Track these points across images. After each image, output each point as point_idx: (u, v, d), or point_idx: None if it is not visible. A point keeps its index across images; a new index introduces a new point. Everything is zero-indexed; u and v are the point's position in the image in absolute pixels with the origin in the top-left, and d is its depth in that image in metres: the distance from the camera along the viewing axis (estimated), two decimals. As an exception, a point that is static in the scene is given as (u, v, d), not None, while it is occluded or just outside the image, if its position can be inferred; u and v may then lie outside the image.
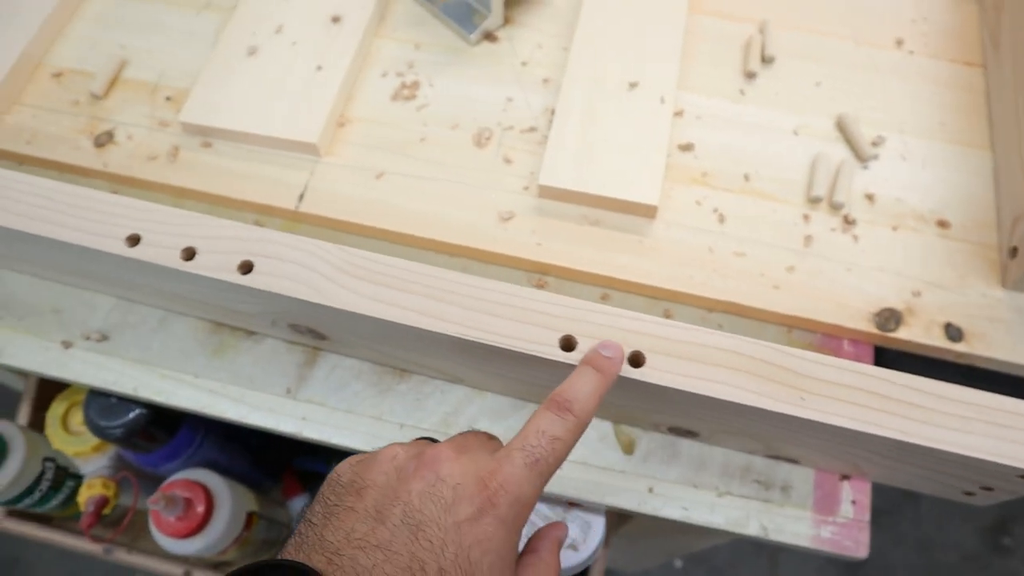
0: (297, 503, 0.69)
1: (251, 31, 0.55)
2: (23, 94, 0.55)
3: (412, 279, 0.38)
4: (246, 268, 0.39)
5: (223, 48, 0.54)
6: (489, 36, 0.56)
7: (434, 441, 0.33)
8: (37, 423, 0.63)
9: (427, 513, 0.28)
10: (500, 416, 0.46)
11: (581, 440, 0.44)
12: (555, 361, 0.36)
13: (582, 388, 0.33)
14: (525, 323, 0.37)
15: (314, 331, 0.45)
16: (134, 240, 0.40)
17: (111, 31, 0.58)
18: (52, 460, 0.59)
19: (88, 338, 0.49)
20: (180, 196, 0.52)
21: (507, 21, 0.57)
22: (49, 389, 0.64)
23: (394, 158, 0.51)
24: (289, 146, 0.51)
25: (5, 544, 1.18)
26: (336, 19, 0.55)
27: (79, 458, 0.60)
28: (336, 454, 0.43)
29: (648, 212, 0.49)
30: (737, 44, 0.56)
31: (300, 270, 0.39)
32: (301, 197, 0.50)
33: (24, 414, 0.63)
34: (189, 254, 0.39)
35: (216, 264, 0.39)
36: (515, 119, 0.53)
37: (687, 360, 0.36)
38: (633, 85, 0.52)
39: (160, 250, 0.40)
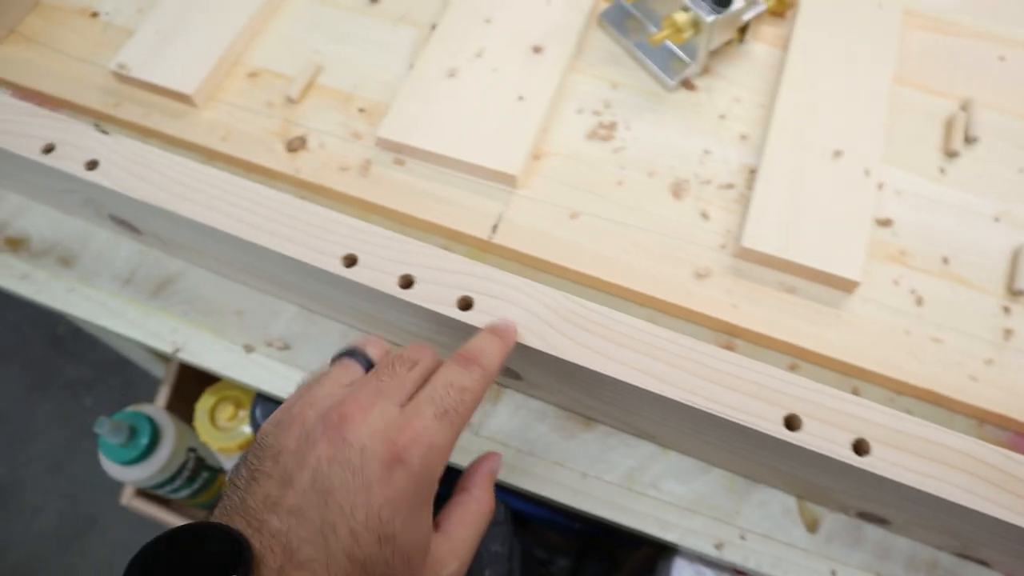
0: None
1: (452, 52, 0.54)
2: (219, 90, 0.56)
3: (634, 335, 0.37)
4: (465, 304, 0.39)
5: (423, 66, 0.54)
6: (687, 84, 0.55)
7: (359, 356, 0.34)
8: (175, 409, 0.63)
9: (335, 478, 0.28)
10: (687, 477, 0.46)
11: (763, 511, 0.43)
12: (776, 438, 0.35)
13: (487, 346, 0.34)
14: (750, 396, 0.36)
15: (512, 371, 0.44)
16: (351, 260, 0.40)
17: (307, 35, 0.58)
18: (194, 451, 0.59)
19: (270, 345, 0.49)
20: (368, 211, 0.52)
21: (705, 71, 0.56)
22: (189, 378, 0.64)
23: (589, 199, 0.51)
24: (486, 174, 0.51)
25: (83, 503, 1.19)
26: (537, 49, 0.54)
27: (223, 453, 0.60)
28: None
29: (847, 286, 0.48)
30: (939, 120, 0.55)
31: (521, 313, 0.38)
32: (495, 228, 0.50)
33: (163, 398, 0.64)
34: (406, 282, 0.39)
35: (433, 296, 0.39)
36: (712, 173, 0.52)
37: (917, 456, 0.35)
38: (837, 154, 0.51)
39: (377, 274, 0.39)
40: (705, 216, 0.50)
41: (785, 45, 0.57)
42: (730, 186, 0.51)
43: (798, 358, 0.48)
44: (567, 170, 0.52)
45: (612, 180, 0.51)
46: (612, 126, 0.53)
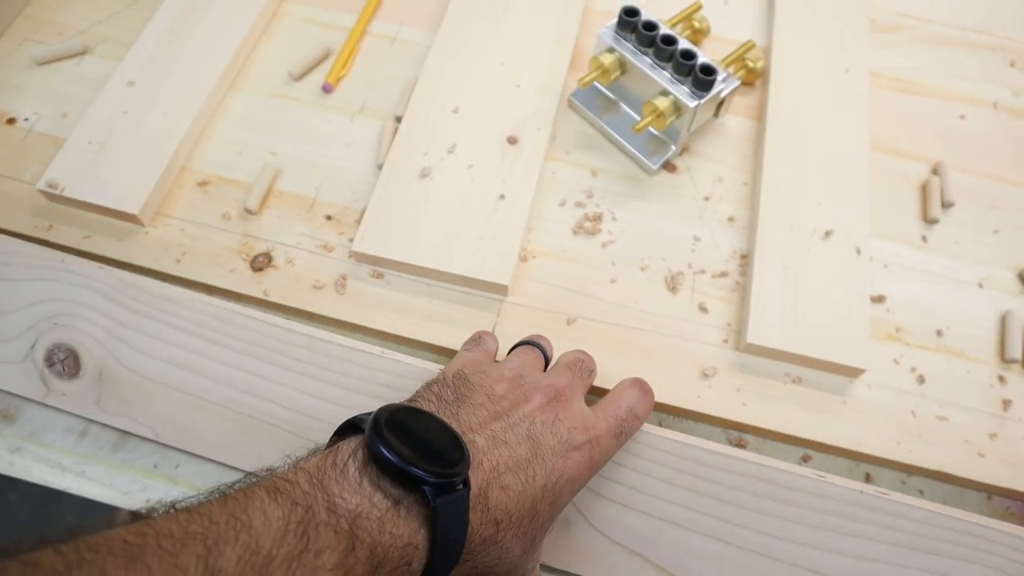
0: None
1: (422, 150, 0.51)
2: (168, 204, 0.51)
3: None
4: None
5: (393, 167, 0.50)
6: (668, 166, 0.54)
7: (539, 348, 0.42)
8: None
9: (545, 436, 0.35)
10: None
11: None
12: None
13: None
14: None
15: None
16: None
17: (258, 135, 0.53)
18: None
19: (259, 493, 0.45)
20: (351, 331, 0.48)
21: (684, 149, 0.54)
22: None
23: (584, 301, 0.48)
24: (475, 285, 0.48)
25: None
26: (512, 140, 0.52)
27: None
28: None
29: (853, 373, 0.47)
30: (914, 184, 0.55)
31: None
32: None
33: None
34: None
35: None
36: (705, 262, 0.50)
37: None
38: (828, 234, 0.50)
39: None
40: (703, 309, 0.49)
41: (758, 116, 0.56)
42: (724, 274, 0.50)
43: (809, 449, 0.47)
44: (557, 271, 0.49)
45: (605, 278, 0.49)
46: (598, 218, 0.51)
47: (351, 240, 0.49)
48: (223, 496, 0.27)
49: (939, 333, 0.50)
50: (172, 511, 0.26)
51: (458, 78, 0.54)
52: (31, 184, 0.51)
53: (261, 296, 0.48)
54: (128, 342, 0.42)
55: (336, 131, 0.54)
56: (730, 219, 0.52)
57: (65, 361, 0.42)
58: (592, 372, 0.42)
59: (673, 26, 0.56)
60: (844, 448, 0.46)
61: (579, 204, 0.52)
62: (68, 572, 0.22)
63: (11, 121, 0.54)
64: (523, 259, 0.49)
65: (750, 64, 0.57)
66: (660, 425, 0.47)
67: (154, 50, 0.54)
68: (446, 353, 0.47)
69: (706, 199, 0.53)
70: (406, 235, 0.48)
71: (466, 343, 0.43)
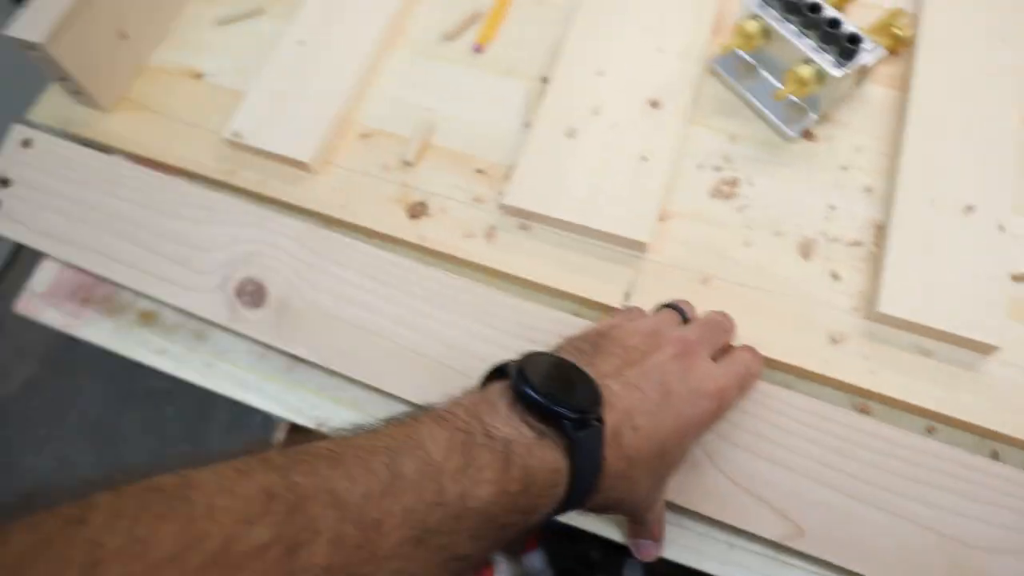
0: (532, 559, 0.71)
1: (568, 110, 0.54)
2: (333, 154, 0.56)
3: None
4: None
5: (541, 126, 0.53)
6: (807, 134, 0.54)
7: (679, 310, 0.45)
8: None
9: (675, 385, 0.38)
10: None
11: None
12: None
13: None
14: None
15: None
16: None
17: (414, 92, 0.57)
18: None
19: (411, 419, 0.50)
20: (496, 278, 0.52)
21: (823, 118, 0.55)
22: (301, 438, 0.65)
23: (718, 262, 0.51)
24: (615, 240, 0.51)
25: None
26: (655, 104, 0.54)
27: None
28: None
29: (985, 349, 0.48)
30: (1065, 162, 0.54)
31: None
32: (627, 295, 0.50)
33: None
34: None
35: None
36: (839, 230, 0.51)
37: None
38: (969, 208, 0.50)
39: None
40: (835, 277, 0.50)
41: (902, 86, 0.56)
42: (858, 243, 0.51)
43: (935, 421, 0.48)
44: (694, 231, 0.52)
45: (739, 241, 0.51)
46: (734, 182, 0.53)
47: (500, 193, 0.53)
48: (398, 421, 0.32)
49: (1082, 313, 0.49)
50: (358, 431, 0.31)
51: (603, 41, 0.56)
52: (214, 132, 0.57)
53: (417, 241, 0.52)
54: (308, 280, 0.48)
55: (486, 90, 0.57)
56: (867, 189, 0.53)
57: (253, 293, 0.47)
58: (727, 332, 0.45)
59: (820, -8, 0.56)
60: (971, 423, 0.47)
61: (717, 168, 0.54)
62: (290, 466, 0.27)
63: (198, 76, 0.60)
64: (661, 219, 0.52)
65: (897, 32, 0.56)
66: (787, 387, 0.49)
67: (321, 12, 0.59)
68: (585, 303, 0.50)
69: (843, 168, 0.53)
70: (552, 191, 0.51)
71: (615, 312, 0.47)
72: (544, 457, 0.32)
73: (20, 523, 0.23)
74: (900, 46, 0.57)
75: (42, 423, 1.34)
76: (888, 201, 0.52)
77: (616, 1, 0.58)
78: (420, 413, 0.33)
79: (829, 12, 0.50)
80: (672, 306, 0.46)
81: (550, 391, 0.33)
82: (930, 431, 0.48)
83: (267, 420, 1.24)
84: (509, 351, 0.46)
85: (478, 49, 0.58)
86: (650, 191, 0.51)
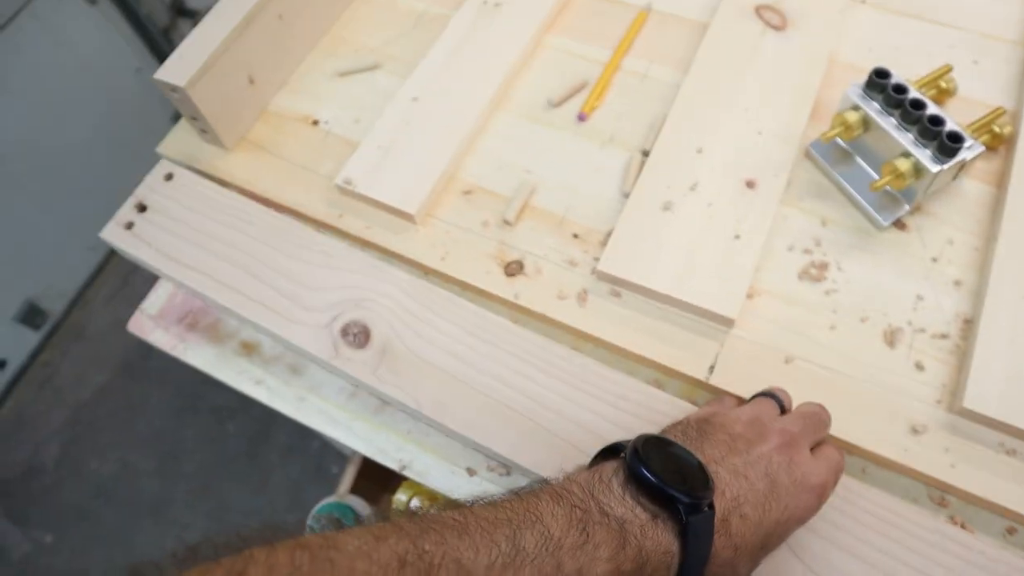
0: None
1: (666, 184, 0.56)
2: (436, 207, 0.59)
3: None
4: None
5: (639, 197, 0.56)
6: (898, 223, 0.56)
7: (776, 399, 0.46)
8: (361, 487, 0.67)
9: (780, 476, 0.38)
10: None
11: None
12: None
13: None
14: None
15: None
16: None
17: (517, 154, 0.60)
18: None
19: (491, 470, 0.52)
20: (584, 340, 0.54)
21: (916, 209, 0.56)
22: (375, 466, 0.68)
23: (802, 343, 0.52)
24: (703, 314, 0.52)
25: (228, 526, 1.27)
26: (751, 184, 0.56)
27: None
28: None
29: (1073, 454, 0.48)
30: None
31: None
32: (711, 368, 0.51)
33: (346, 483, 0.68)
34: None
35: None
36: (926, 321, 0.52)
37: None
38: (1062, 310, 0.50)
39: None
40: (919, 367, 0.51)
41: (998, 182, 0.57)
42: (944, 336, 0.52)
43: (1015, 522, 0.48)
44: (780, 311, 0.53)
45: (825, 324, 0.52)
46: (823, 266, 0.54)
47: (595, 258, 0.55)
48: (517, 496, 0.34)
49: None
50: (480, 503, 0.33)
51: (703, 120, 0.58)
52: (327, 177, 0.61)
53: (511, 299, 0.54)
54: (412, 328, 0.50)
55: (587, 157, 0.60)
56: (956, 282, 0.53)
57: (358, 335, 0.50)
58: (826, 426, 0.45)
59: (920, 87, 0.58)
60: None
61: (807, 251, 0.55)
62: (420, 535, 0.30)
63: (315, 123, 0.64)
64: (750, 296, 0.53)
65: (996, 130, 0.57)
66: (863, 472, 0.50)
67: (435, 71, 0.63)
68: (669, 373, 0.52)
69: (934, 260, 0.54)
70: (645, 261, 0.53)
71: (708, 402, 0.49)
72: (658, 539, 0.33)
73: (190, 572, 0.25)
74: (998, 143, 0.58)
75: (109, 429, 1.39)
76: (978, 296, 0.52)
77: (718, 82, 0.60)
78: (537, 487, 0.35)
79: (932, 109, 0.52)
80: (768, 394, 0.46)
81: (664, 473, 0.34)
82: (1010, 532, 0.48)
83: (325, 447, 1.26)
84: (598, 416, 0.48)
85: (582, 118, 0.61)
86: (741, 269, 0.52)
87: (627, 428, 0.47)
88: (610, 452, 0.38)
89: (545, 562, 0.30)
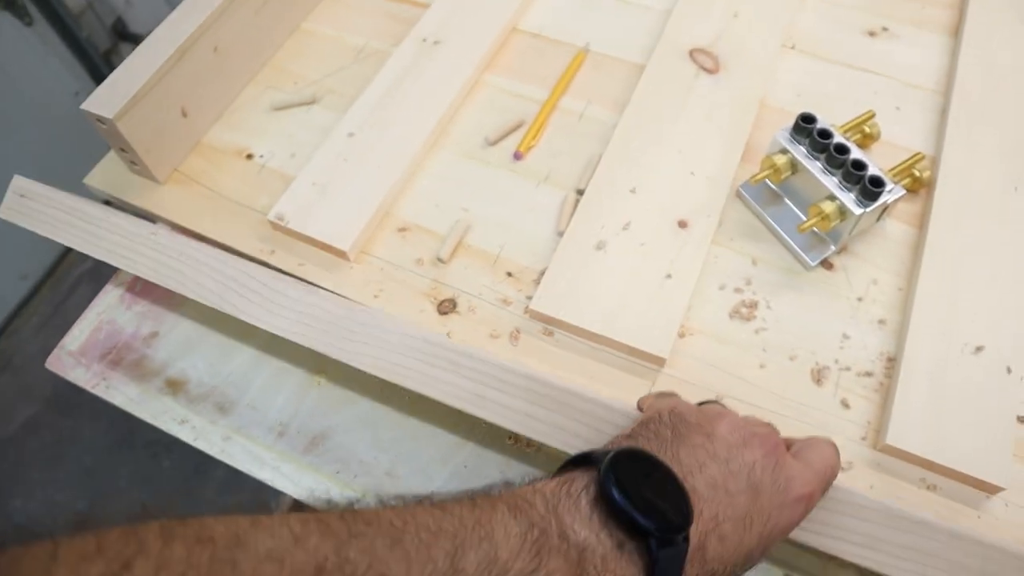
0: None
1: (599, 223, 0.56)
2: (371, 244, 0.58)
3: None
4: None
5: (572, 237, 0.56)
6: (825, 263, 0.57)
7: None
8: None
9: (765, 484, 0.35)
10: None
11: None
12: None
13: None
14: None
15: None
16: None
17: (454, 192, 0.60)
18: None
19: (424, 511, 0.51)
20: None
21: (843, 249, 0.57)
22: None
23: (733, 382, 0.52)
24: (634, 352, 0.52)
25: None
26: (683, 224, 0.56)
27: None
28: None
29: (992, 490, 0.49)
30: (1072, 310, 0.56)
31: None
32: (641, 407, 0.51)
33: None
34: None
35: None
36: (851, 359, 0.53)
37: None
38: (979, 349, 0.52)
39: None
40: (845, 405, 0.52)
41: (920, 223, 0.59)
42: (869, 374, 0.53)
43: (938, 558, 0.49)
44: (711, 350, 0.53)
45: (754, 363, 0.53)
46: (754, 305, 0.55)
47: (528, 297, 0.55)
48: (471, 501, 0.30)
49: (1085, 461, 0.51)
50: (427, 503, 0.30)
51: (638, 160, 0.59)
52: (261, 212, 0.60)
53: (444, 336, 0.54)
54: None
55: (522, 196, 0.60)
56: (881, 321, 0.55)
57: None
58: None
59: (845, 131, 0.59)
60: (972, 560, 0.48)
61: (737, 290, 0.56)
62: (347, 540, 0.26)
63: (250, 157, 0.63)
64: (681, 335, 0.54)
65: (916, 173, 0.59)
66: (793, 509, 0.50)
67: (372, 107, 0.62)
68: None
69: (859, 299, 0.56)
70: (578, 300, 0.53)
71: (659, 393, 0.46)
72: (619, 572, 0.30)
73: (66, 549, 0.22)
74: (919, 186, 0.60)
75: (36, 466, 1.34)
76: (900, 335, 0.54)
77: (652, 123, 0.61)
78: (496, 492, 0.31)
79: (855, 154, 0.53)
80: (714, 402, 0.44)
81: (636, 497, 0.31)
82: (933, 569, 0.49)
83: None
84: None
85: (518, 156, 0.61)
86: (672, 308, 0.53)
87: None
88: (583, 460, 0.35)
89: None
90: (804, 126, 0.55)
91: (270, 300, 0.51)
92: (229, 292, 0.52)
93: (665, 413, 0.39)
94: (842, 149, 0.54)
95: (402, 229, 0.59)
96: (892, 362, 0.53)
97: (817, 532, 0.43)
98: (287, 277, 0.53)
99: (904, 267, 0.57)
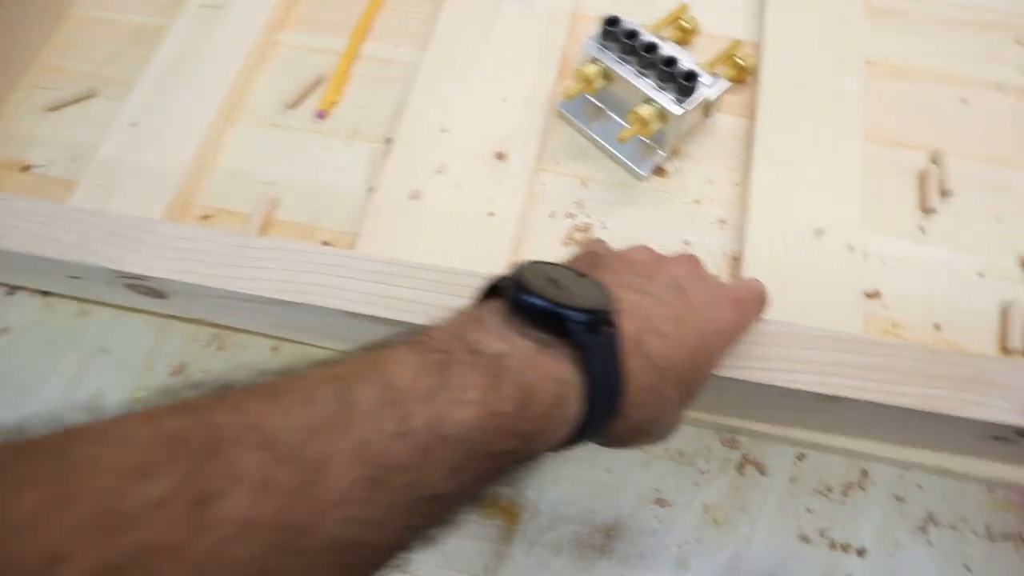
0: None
1: (412, 171, 0.52)
2: (173, 238, 0.53)
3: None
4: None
5: (383, 192, 0.52)
6: (658, 171, 0.54)
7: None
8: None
9: (693, 291, 0.34)
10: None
11: None
12: None
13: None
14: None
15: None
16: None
17: (257, 166, 0.55)
18: None
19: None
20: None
21: (674, 153, 0.54)
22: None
23: (575, 313, 0.49)
24: (467, 302, 0.49)
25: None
26: (500, 156, 0.53)
27: None
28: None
29: (848, 372, 0.47)
30: (912, 175, 0.54)
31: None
32: (484, 359, 0.48)
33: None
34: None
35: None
36: (696, 266, 0.51)
37: None
38: (819, 232, 0.50)
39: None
40: (696, 315, 0.49)
41: (750, 113, 0.56)
42: (715, 278, 0.50)
43: (804, 448, 0.48)
44: (549, 284, 0.50)
45: (596, 289, 0.50)
46: (588, 228, 0.52)
47: (347, 265, 0.51)
48: (365, 350, 0.26)
49: (937, 327, 0.50)
50: (316, 364, 0.26)
51: (446, 97, 0.55)
52: (48, 226, 0.54)
53: (265, 324, 0.50)
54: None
55: (331, 157, 0.55)
56: (721, 221, 0.52)
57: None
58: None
59: (660, 29, 0.56)
60: (838, 447, 0.47)
61: (569, 215, 0.52)
62: (210, 406, 0.22)
63: (25, 168, 0.57)
64: (514, 274, 0.50)
65: (740, 62, 0.56)
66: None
67: (153, 90, 0.57)
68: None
69: (696, 202, 0.53)
70: (399, 256, 0.49)
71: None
72: (547, 368, 0.27)
73: None
74: (745, 75, 0.57)
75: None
76: (741, 231, 0.51)
77: (459, 56, 0.57)
78: (392, 340, 0.27)
79: (665, 51, 0.50)
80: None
81: (551, 294, 0.28)
82: (800, 459, 0.47)
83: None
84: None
85: (321, 115, 0.57)
86: (498, 248, 0.49)
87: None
88: (494, 292, 0.31)
89: (385, 416, 0.23)
90: (610, 30, 0.52)
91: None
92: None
93: (582, 256, 0.36)
94: (651, 48, 0.51)
95: (205, 217, 0.54)
96: (737, 261, 0.51)
97: (767, 368, 0.40)
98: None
99: (739, 162, 0.54)
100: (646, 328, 0.30)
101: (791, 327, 0.40)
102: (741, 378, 0.39)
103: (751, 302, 0.38)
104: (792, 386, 0.39)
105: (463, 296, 0.38)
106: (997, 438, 0.41)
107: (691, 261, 0.37)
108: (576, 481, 0.48)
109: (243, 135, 0.56)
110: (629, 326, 0.30)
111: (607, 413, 0.29)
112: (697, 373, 0.33)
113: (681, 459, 0.48)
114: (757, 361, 0.39)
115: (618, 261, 0.35)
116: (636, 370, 0.29)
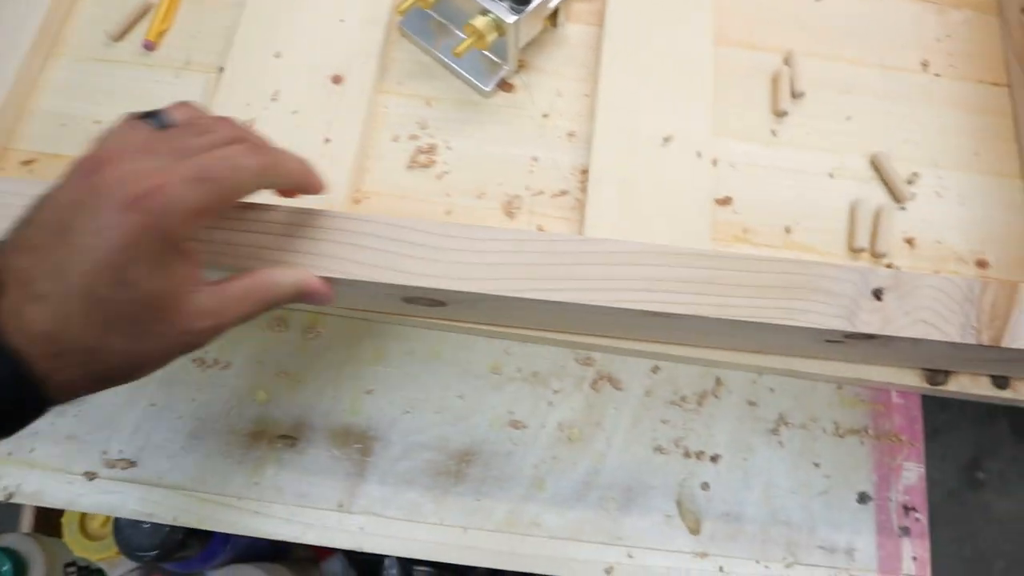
0: (332, 564, 0.68)
1: (244, 100, 0.49)
2: (-9, 187, 0.49)
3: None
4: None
5: (216, 122, 0.49)
6: (504, 85, 0.52)
7: (150, 117, 0.33)
8: (45, 526, 0.59)
9: (75, 220, 0.28)
10: (564, 508, 0.45)
11: (645, 523, 0.44)
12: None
13: (287, 158, 0.37)
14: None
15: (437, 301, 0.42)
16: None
17: (82, 104, 0.52)
18: (73, 564, 0.56)
19: (113, 466, 0.46)
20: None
21: (521, 66, 0.53)
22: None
23: (421, 237, 0.48)
24: (306, 234, 0.47)
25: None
26: (337, 79, 0.50)
27: (104, 563, 0.57)
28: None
29: (695, 280, 0.47)
30: (764, 77, 0.53)
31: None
32: (327, 291, 0.46)
33: (28, 519, 0.60)
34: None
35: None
36: (544, 182, 0.49)
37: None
38: (667, 139, 0.49)
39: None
40: (542, 230, 0.48)
41: (599, 21, 0.54)
42: (563, 193, 0.49)
43: (657, 360, 0.48)
44: (392, 209, 0.48)
45: (440, 211, 0.48)
46: (432, 149, 0.50)
47: (178, 203, 0.48)
48: None
49: (788, 230, 0.49)
50: None
51: (279, 20, 0.52)
52: None
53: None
54: None
55: (161, 91, 0.52)
56: (570, 135, 0.51)
57: None
58: (215, 134, 0.33)
59: (501, -64, 0.53)
60: (693, 357, 0.47)
61: (413, 137, 0.50)
62: None
63: None
64: (356, 201, 0.49)
65: (585, -33, 0.54)
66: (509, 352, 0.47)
67: (-38, 27, 0.52)
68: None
69: (544, 116, 0.51)
70: (231, 192, 0.47)
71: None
72: None
73: None
74: (593, -19, 0.55)
75: None
76: (590, 143, 0.50)
77: (292, -27, 0.53)
78: None
79: (499, -43, 0.48)
80: (149, 114, 0.34)
81: None
82: (654, 371, 0.47)
83: None
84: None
85: (149, 46, 0.53)
86: (338, 175, 0.47)
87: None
88: None
89: None
90: (439, -62, 0.49)
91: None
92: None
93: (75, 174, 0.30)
94: (482, -46, 0.48)
95: (27, 162, 0.50)
96: (586, 174, 0.50)
97: (589, 288, 0.38)
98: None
99: (589, 72, 0.53)
100: (21, 299, 0.28)
101: (612, 244, 0.39)
102: (562, 300, 0.38)
103: (183, 180, 0.29)
104: (615, 305, 0.38)
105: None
106: (830, 341, 0.42)
107: (94, 165, 0.29)
108: (428, 409, 0.47)
109: (63, 71, 0.53)
110: (8, 302, 0.28)
111: (26, 414, 0.29)
112: (112, 306, 0.29)
113: (535, 380, 0.48)
114: (578, 282, 0.38)
115: (32, 210, 0.30)
116: (31, 354, 0.27)
